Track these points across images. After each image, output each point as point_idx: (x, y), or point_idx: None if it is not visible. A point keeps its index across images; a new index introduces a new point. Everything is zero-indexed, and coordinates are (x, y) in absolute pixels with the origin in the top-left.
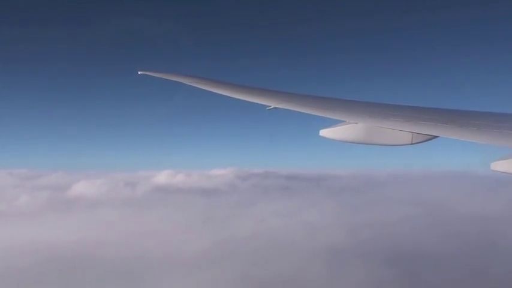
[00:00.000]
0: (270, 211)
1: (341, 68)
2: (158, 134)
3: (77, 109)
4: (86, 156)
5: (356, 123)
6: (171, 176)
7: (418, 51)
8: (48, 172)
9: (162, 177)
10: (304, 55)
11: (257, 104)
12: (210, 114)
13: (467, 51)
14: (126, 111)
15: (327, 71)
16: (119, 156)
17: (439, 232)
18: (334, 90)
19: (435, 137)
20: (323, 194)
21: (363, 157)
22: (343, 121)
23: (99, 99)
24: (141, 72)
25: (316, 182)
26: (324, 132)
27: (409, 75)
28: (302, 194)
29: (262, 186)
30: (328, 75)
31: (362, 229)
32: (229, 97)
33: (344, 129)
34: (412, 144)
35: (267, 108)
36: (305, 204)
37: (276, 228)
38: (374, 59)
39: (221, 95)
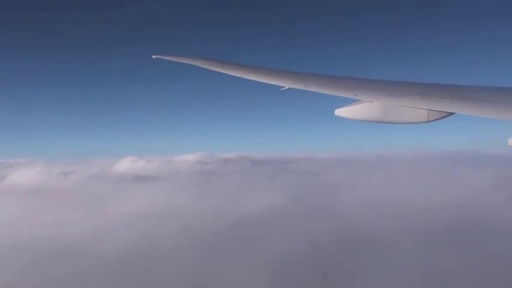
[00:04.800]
0: (185, 196)
1: (349, 47)
2: (164, 119)
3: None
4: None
5: (371, 101)
6: (131, 163)
7: (430, 27)
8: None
9: (123, 164)
10: (317, 34)
11: (267, 85)
12: (209, 98)
13: (482, 26)
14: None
15: (337, 51)
16: (117, 142)
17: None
18: (343, 70)
19: (451, 113)
20: (281, 178)
21: (372, 138)
22: (358, 100)
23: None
24: (155, 56)
25: (286, 165)
26: (340, 112)
27: (422, 52)
28: (254, 178)
29: (214, 171)
30: (338, 54)
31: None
32: (234, 80)
33: (360, 108)
34: (428, 121)
35: (281, 89)
36: (240, 188)
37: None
38: (387, 37)
39: (228, 76)
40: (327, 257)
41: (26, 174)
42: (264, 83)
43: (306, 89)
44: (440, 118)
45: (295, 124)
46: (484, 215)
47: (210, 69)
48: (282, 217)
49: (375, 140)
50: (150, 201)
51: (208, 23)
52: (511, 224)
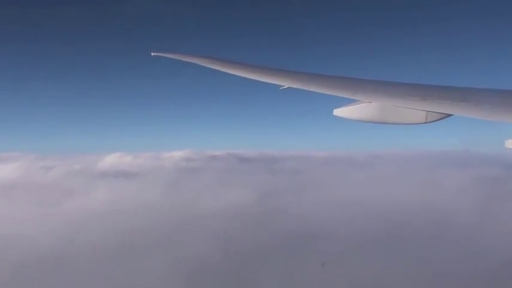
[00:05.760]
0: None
1: (348, 47)
2: (163, 114)
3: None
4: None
5: (370, 102)
6: (117, 159)
7: (430, 26)
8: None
9: (109, 160)
10: (315, 33)
11: (266, 84)
12: (204, 95)
13: (482, 27)
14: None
15: (335, 51)
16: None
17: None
18: (343, 69)
19: (449, 115)
20: (264, 176)
21: (370, 137)
22: (356, 101)
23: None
24: (154, 54)
25: (275, 163)
26: (338, 112)
27: (421, 52)
28: (238, 175)
29: (198, 168)
30: (334, 54)
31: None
32: (231, 78)
33: (359, 108)
34: (426, 123)
35: (280, 88)
36: (213, 186)
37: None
38: (386, 36)
39: (226, 74)
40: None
41: (7, 169)
42: (263, 82)
43: (305, 88)
44: (438, 119)
45: (294, 123)
46: (441, 216)
47: (206, 67)
48: (237, 216)
49: (372, 140)
50: (117, 198)
51: (208, 20)
52: (458, 226)
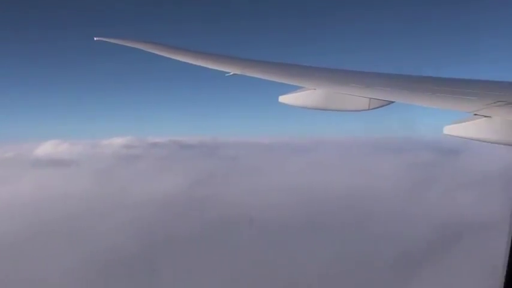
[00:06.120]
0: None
1: (297, 33)
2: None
3: None
4: None
5: (315, 89)
6: (53, 147)
7: (374, 16)
8: None
9: (44, 147)
10: (261, 20)
11: (212, 71)
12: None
13: (422, 16)
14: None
15: (284, 37)
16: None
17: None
18: (290, 57)
19: (391, 102)
20: (204, 163)
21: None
22: (302, 87)
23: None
24: (97, 39)
25: (216, 150)
26: (284, 99)
27: (366, 40)
28: (177, 162)
29: (137, 155)
30: (284, 41)
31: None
32: (176, 64)
33: (303, 95)
34: (369, 109)
35: (226, 74)
36: (146, 174)
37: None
38: (331, 23)
39: (171, 60)
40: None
41: None
42: (209, 69)
43: (251, 75)
44: (381, 106)
45: (239, 110)
46: (367, 202)
47: (150, 53)
48: (168, 204)
49: (317, 126)
50: (46, 186)
51: (155, 4)
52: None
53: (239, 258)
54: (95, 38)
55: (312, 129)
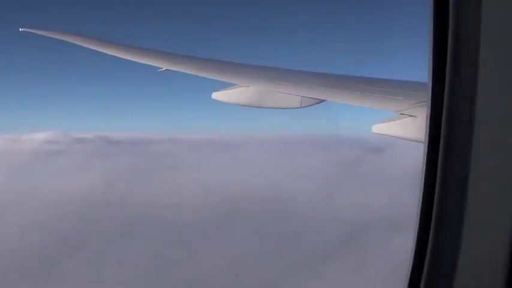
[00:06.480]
0: None
1: (231, 30)
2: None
3: None
4: None
5: (248, 86)
6: None
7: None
8: None
9: None
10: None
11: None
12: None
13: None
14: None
15: (219, 34)
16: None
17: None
18: (225, 54)
19: (322, 100)
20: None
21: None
22: (235, 84)
23: None
24: (22, 29)
25: (145, 146)
26: (217, 95)
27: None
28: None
29: (60, 151)
30: (220, 37)
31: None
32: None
33: (236, 93)
34: (301, 107)
35: (158, 70)
36: (61, 170)
37: None
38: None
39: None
40: None
41: None
42: (141, 63)
43: (184, 71)
44: (312, 104)
45: (172, 106)
46: (284, 200)
47: (77, 45)
48: (78, 203)
49: (250, 123)
50: None
51: None
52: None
53: (146, 257)
54: (20, 29)
55: (244, 126)
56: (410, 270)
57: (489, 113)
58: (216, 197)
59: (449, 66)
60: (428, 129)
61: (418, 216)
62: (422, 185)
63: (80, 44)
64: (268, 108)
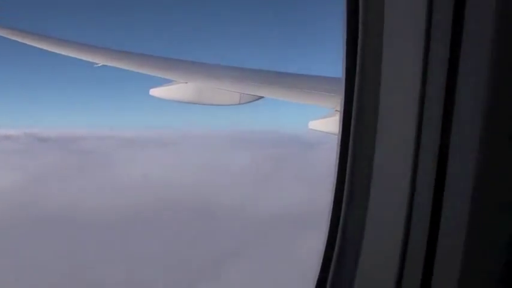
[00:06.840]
0: None
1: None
2: None
3: None
4: None
5: (186, 82)
6: None
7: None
8: None
9: None
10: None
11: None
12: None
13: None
14: None
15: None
16: None
17: None
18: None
19: (261, 97)
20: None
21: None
22: (174, 81)
23: None
24: None
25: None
26: (155, 92)
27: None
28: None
29: None
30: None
31: None
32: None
33: (174, 89)
34: (240, 104)
35: (95, 65)
36: None
37: None
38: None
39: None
40: None
41: None
42: (76, 58)
43: (121, 67)
44: (251, 101)
45: (108, 102)
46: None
47: (7, 39)
48: None
49: (188, 120)
50: None
51: None
52: None
53: (61, 259)
54: None
55: (181, 123)
56: (320, 266)
57: (391, 108)
58: (139, 196)
59: (358, 61)
60: (341, 125)
61: (329, 219)
62: (335, 182)
63: (9, 37)
64: (206, 104)
